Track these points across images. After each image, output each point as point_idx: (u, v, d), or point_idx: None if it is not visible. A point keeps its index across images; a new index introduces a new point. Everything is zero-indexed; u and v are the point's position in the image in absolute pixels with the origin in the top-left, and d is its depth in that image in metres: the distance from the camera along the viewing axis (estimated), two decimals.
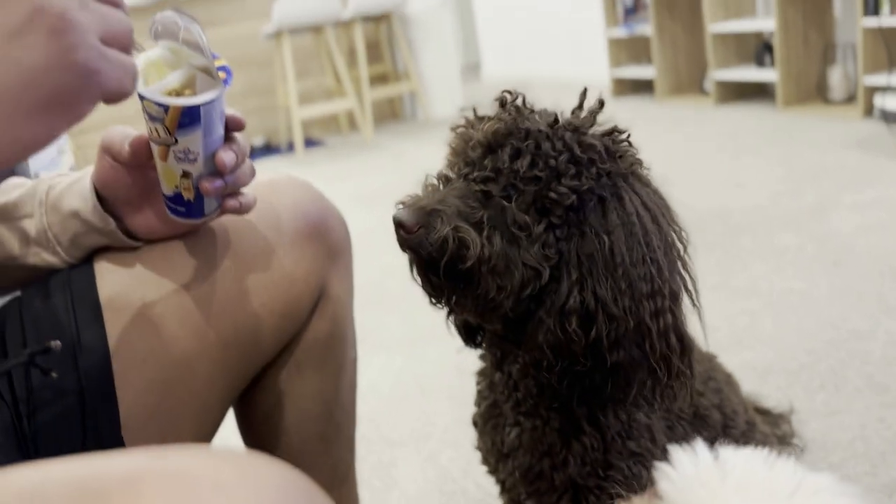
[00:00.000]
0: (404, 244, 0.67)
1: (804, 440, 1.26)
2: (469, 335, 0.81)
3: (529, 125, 0.69)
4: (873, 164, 2.66)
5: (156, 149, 0.64)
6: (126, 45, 0.47)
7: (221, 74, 0.62)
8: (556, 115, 0.71)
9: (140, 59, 0.61)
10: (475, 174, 0.69)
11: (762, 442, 1.01)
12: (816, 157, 2.85)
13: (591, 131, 0.71)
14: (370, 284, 2.14)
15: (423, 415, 1.55)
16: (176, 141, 0.62)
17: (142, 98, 0.60)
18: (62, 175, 0.73)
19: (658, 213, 0.71)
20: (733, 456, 0.51)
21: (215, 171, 0.66)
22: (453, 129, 0.75)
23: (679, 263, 0.72)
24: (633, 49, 4.75)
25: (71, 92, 0.43)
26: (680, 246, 0.72)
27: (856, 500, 0.49)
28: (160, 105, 0.60)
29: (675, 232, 0.72)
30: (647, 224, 0.69)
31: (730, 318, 1.72)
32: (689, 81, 4.43)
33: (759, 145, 3.19)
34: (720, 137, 3.43)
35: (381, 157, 4.19)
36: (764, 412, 1.26)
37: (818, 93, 3.67)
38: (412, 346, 1.85)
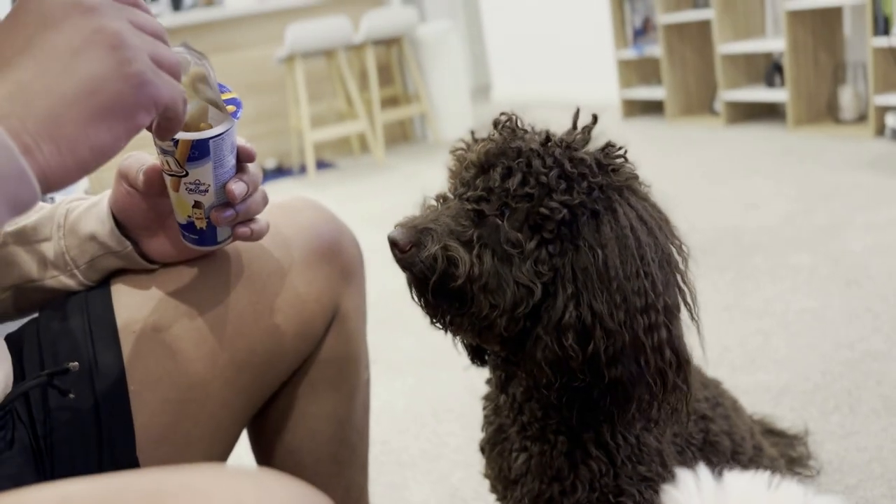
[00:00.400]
0: (398, 262, 0.68)
1: (820, 462, 1.24)
2: (476, 354, 0.81)
3: (521, 144, 0.70)
4: (886, 184, 2.64)
5: (168, 179, 0.66)
6: (175, 72, 0.50)
7: (230, 108, 0.64)
8: (547, 134, 0.72)
9: None
10: (468, 194, 0.71)
11: (770, 466, 1.00)
12: (828, 177, 2.84)
13: (584, 148, 0.72)
14: (382, 305, 2.14)
15: (435, 436, 1.54)
16: (186, 173, 0.63)
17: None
18: (79, 199, 0.75)
19: (654, 227, 0.71)
20: (737, 480, 0.51)
21: (227, 201, 0.67)
22: (452, 151, 0.77)
23: (677, 276, 0.72)
24: (642, 70, 4.77)
25: (129, 100, 0.46)
26: (678, 259, 0.72)
27: None
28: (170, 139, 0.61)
29: (673, 245, 0.72)
30: (642, 237, 0.69)
31: (743, 339, 1.71)
32: (699, 102, 4.44)
33: (771, 166, 3.18)
34: (731, 158, 3.43)
35: (393, 178, 4.22)
36: (779, 434, 1.25)
37: (829, 113, 3.67)
38: (424, 367, 1.85)
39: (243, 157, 0.68)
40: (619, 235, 0.69)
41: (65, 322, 0.71)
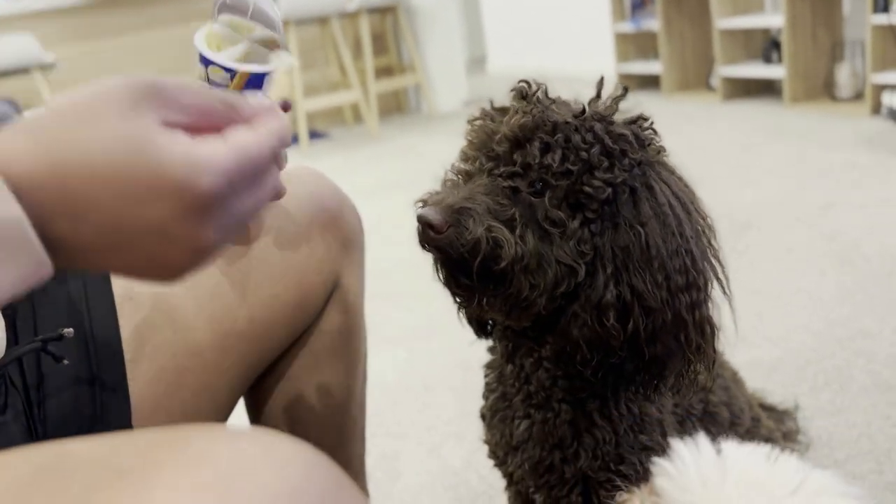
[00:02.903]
0: (431, 244, 0.65)
1: (809, 437, 1.26)
2: (481, 327, 0.81)
3: (557, 117, 0.67)
4: (881, 163, 2.64)
5: None
6: (242, 230, 0.45)
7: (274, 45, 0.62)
8: (583, 106, 0.69)
9: (201, 32, 0.62)
10: (501, 170, 0.67)
11: (767, 438, 1.01)
12: (824, 155, 2.84)
13: (617, 120, 0.70)
14: (374, 277, 2.12)
15: (426, 407, 1.55)
16: None
17: (208, 64, 0.60)
18: None
19: (687, 202, 0.70)
20: (735, 452, 0.51)
21: None
22: (470, 121, 0.73)
23: (709, 252, 0.71)
24: (639, 44, 4.73)
25: (181, 272, 0.42)
26: (709, 233, 0.71)
27: (858, 501, 0.49)
28: (228, 70, 0.60)
29: (703, 219, 0.71)
30: (679, 213, 0.68)
31: (737, 316, 1.71)
32: (696, 77, 4.41)
33: (766, 142, 3.18)
34: (727, 134, 3.42)
35: (386, 149, 4.19)
36: (769, 409, 1.26)
37: (826, 90, 3.66)
38: (416, 340, 1.85)
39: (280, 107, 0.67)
40: (658, 213, 0.68)
41: (61, 287, 0.70)
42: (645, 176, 0.68)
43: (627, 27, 4.61)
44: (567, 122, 0.67)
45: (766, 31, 3.99)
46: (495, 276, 0.65)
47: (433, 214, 0.64)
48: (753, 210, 2.37)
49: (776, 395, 1.36)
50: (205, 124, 0.41)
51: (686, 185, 0.72)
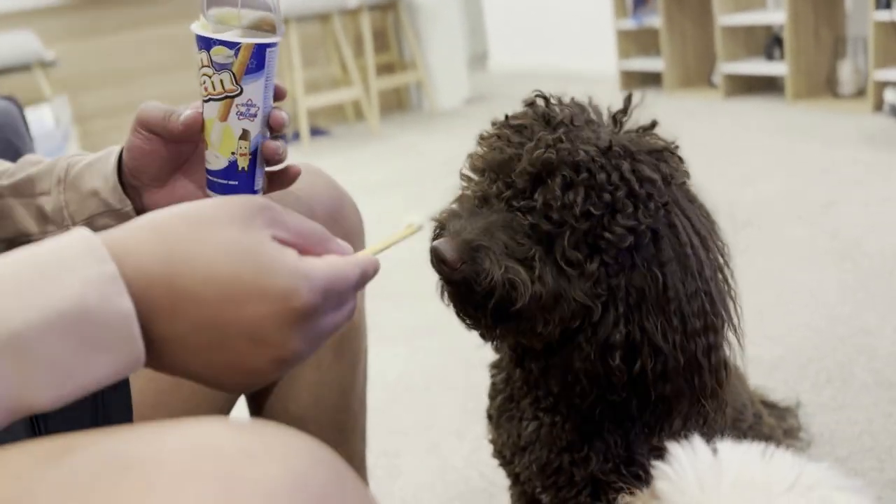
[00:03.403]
0: (444, 277, 0.63)
1: (811, 434, 1.25)
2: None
3: (582, 154, 0.64)
4: (883, 160, 2.64)
5: (215, 110, 0.64)
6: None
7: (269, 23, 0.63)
8: (609, 140, 0.65)
9: (194, 26, 0.62)
10: (521, 203, 0.65)
11: (769, 434, 1.01)
12: (826, 151, 2.83)
13: (644, 155, 0.67)
14: None
15: (427, 405, 1.55)
16: (241, 91, 0.62)
17: (210, 46, 0.60)
18: (81, 154, 0.73)
19: (707, 235, 0.68)
20: (731, 452, 0.51)
21: (269, 136, 0.66)
22: (484, 138, 0.71)
23: (725, 288, 0.70)
24: (641, 41, 4.72)
25: (261, 380, 0.45)
26: (726, 271, 0.70)
27: (854, 493, 0.49)
28: (231, 46, 0.60)
29: (721, 255, 0.70)
30: (700, 253, 0.66)
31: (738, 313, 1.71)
32: (698, 74, 4.40)
33: (768, 139, 3.17)
34: (728, 131, 3.41)
35: (388, 147, 4.19)
36: (771, 406, 1.25)
37: (828, 87, 3.65)
38: (416, 338, 1.85)
39: (277, 94, 0.67)
40: (679, 254, 0.66)
41: None
42: (669, 215, 0.66)
43: (629, 24, 4.60)
44: (593, 160, 0.64)
45: (768, 28, 3.98)
46: (509, 315, 0.64)
47: (449, 251, 0.62)
48: (755, 207, 2.37)
49: (778, 392, 1.35)
50: (305, 246, 0.46)
51: (706, 215, 0.70)
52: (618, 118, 0.70)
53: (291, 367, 0.45)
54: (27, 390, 0.35)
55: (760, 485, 0.48)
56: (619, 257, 0.65)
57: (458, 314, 0.68)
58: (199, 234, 0.42)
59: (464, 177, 0.71)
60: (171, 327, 0.41)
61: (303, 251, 0.45)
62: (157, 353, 0.41)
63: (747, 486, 0.48)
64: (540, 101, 0.70)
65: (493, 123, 0.71)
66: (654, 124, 0.70)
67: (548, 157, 0.64)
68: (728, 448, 0.51)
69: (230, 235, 0.42)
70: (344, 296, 0.46)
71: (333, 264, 0.45)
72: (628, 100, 0.71)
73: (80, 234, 0.40)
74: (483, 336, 0.72)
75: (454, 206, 0.70)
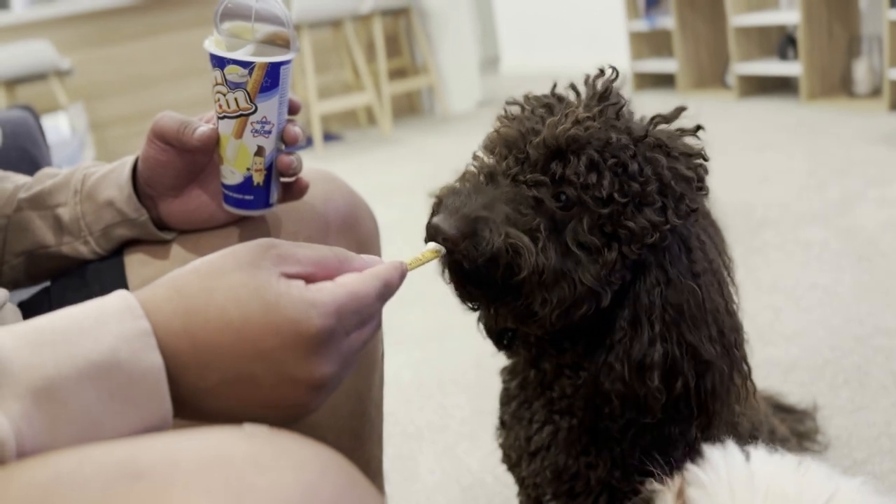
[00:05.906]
0: (449, 256, 0.60)
1: (828, 437, 1.24)
2: (498, 339, 0.78)
3: (613, 135, 0.61)
4: None
5: (230, 127, 0.64)
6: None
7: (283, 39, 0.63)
8: (646, 130, 0.63)
9: (208, 41, 0.63)
10: (528, 176, 0.62)
11: (782, 448, 1.00)
12: (841, 151, 2.81)
13: (680, 154, 0.65)
14: None
15: (441, 408, 1.55)
16: (255, 109, 0.62)
17: (224, 65, 0.61)
18: (97, 164, 0.74)
19: (723, 252, 0.68)
20: (764, 463, 0.50)
21: (283, 151, 0.67)
22: (509, 103, 0.67)
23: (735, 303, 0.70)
24: (654, 42, 4.71)
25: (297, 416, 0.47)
26: (732, 283, 0.69)
27: None
28: (245, 65, 0.60)
29: (727, 268, 0.69)
30: (728, 265, 0.67)
31: (753, 314, 1.70)
32: (711, 75, 4.38)
33: (783, 140, 3.15)
34: (743, 132, 3.39)
35: (400, 151, 4.19)
36: (787, 409, 1.24)
37: (843, 86, 3.62)
38: (430, 340, 1.85)
39: (291, 108, 0.68)
40: (713, 269, 0.64)
41: (78, 292, 0.70)
42: (697, 224, 0.64)
43: (641, 25, 4.59)
44: (625, 145, 0.61)
45: (781, 28, 3.95)
46: (510, 287, 0.61)
47: (447, 226, 0.58)
48: (770, 207, 2.35)
49: (794, 394, 1.34)
50: (321, 274, 0.47)
51: (717, 231, 0.70)
52: (655, 119, 0.67)
53: (331, 391, 0.46)
54: (54, 440, 0.37)
55: (793, 498, 0.47)
56: (643, 259, 0.63)
57: (457, 292, 0.66)
58: (210, 283, 0.44)
59: (475, 157, 0.68)
60: (201, 381, 0.43)
61: (320, 278, 0.46)
62: (192, 406, 0.43)
63: (779, 498, 0.47)
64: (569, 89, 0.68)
65: (510, 102, 0.68)
66: (698, 128, 0.68)
67: (575, 132, 0.60)
68: (762, 457, 0.50)
69: (238, 280, 0.44)
70: (365, 311, 0.47)
71: (346, 284, 0.46)
72: (678, 111, 0.68)
73: (120, 292, 0.42)
74: (486, 322, 0.70)
75: (455, 183, 0.66)
